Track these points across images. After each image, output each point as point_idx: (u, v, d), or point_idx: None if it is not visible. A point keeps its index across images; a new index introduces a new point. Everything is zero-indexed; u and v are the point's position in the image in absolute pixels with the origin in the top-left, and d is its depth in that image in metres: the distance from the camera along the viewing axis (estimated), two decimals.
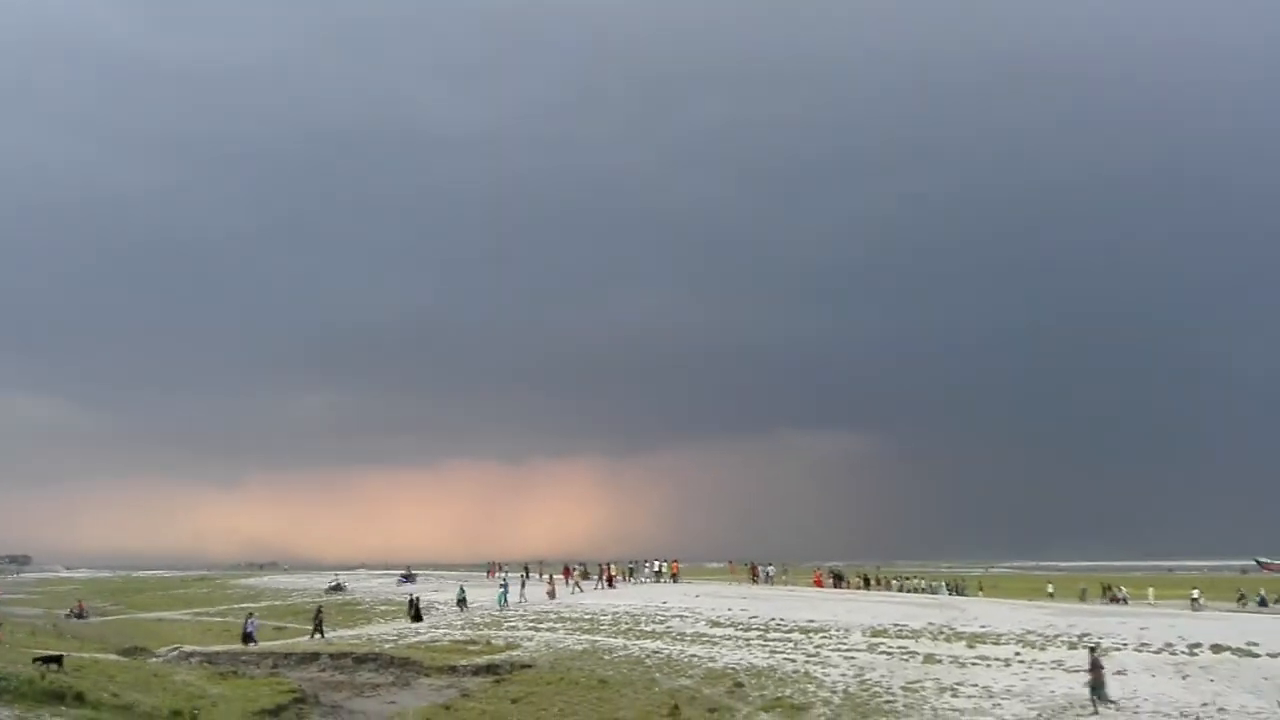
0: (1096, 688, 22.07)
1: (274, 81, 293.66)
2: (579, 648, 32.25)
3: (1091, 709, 21.66)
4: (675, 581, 62.38)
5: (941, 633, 33.51)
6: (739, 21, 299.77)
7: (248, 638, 37.90)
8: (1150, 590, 63.28)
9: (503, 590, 49.16)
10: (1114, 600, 59.51)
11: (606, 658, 30.09)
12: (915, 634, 33.34)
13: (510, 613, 43.79)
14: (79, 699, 19.30)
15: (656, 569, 65.96)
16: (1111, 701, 22.00)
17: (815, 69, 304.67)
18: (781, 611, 40.28)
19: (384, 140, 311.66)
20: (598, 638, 34.21)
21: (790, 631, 34.72)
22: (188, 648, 37.90)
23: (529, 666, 29.30)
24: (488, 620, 41.22)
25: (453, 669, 29.96)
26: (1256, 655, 27.46)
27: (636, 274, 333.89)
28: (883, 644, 31.22)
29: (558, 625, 38.15)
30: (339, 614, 50.67)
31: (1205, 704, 21.74)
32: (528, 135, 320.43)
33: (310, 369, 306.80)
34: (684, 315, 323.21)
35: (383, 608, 53.90)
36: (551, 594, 50.81)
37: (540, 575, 61.93)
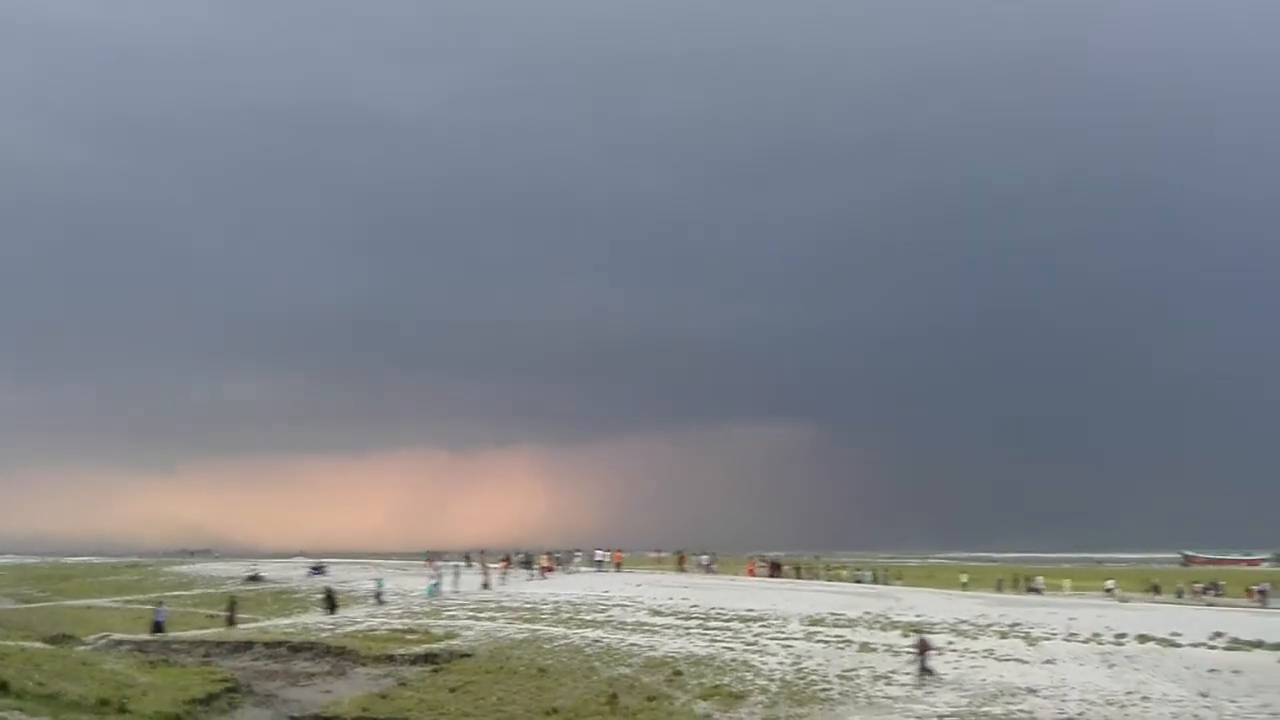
0: (923, 666, 24.36)
1: (215, 59, 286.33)
2: (519, 637, 32.16)
3: (916, 682, 23.77)
4: (618, 571, 62.53)
5: (877, 622, 34.07)
6: (691, 12, 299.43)
7: (157, 627, 37.14)
8: (1066, 582, 64.89)
9: (434, 581, 48.54)
10: (1030, 591, 60.85)
11: (546, 647, 30.05)
12: (852, 623, 33.85)
13: (450, 602, 43.50)
14: (2, 688, 18.78)
15: (599, 558, 66.05)
16: (931, 675, 24.02)
17: (767, 62, 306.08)
18: (722, 601, 40.59)
19: (329, 122, 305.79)
20: (538, 627, 34.15)
21: (730, 620, 35.01)
22: (117, 635, 36.95)
23: (468, 656, 29.11)
24: (427, 609, 40.90)
25: (390, 658, 29.64)
26: (1179, 645, 28.37)
27: (583, 264, 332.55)
28: (820, 633, 31.64)
29: (498, 614, 37.99)
30: (275, 603, 49.90)
31: (1130, 692, 22.40)
32: (475, 121, 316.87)
33: (249, 354, 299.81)
34: (631, 306, 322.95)
35: (318, 597, 53.16)
36: (486, 584, 50.46)
37: (478, 565, 61.26)
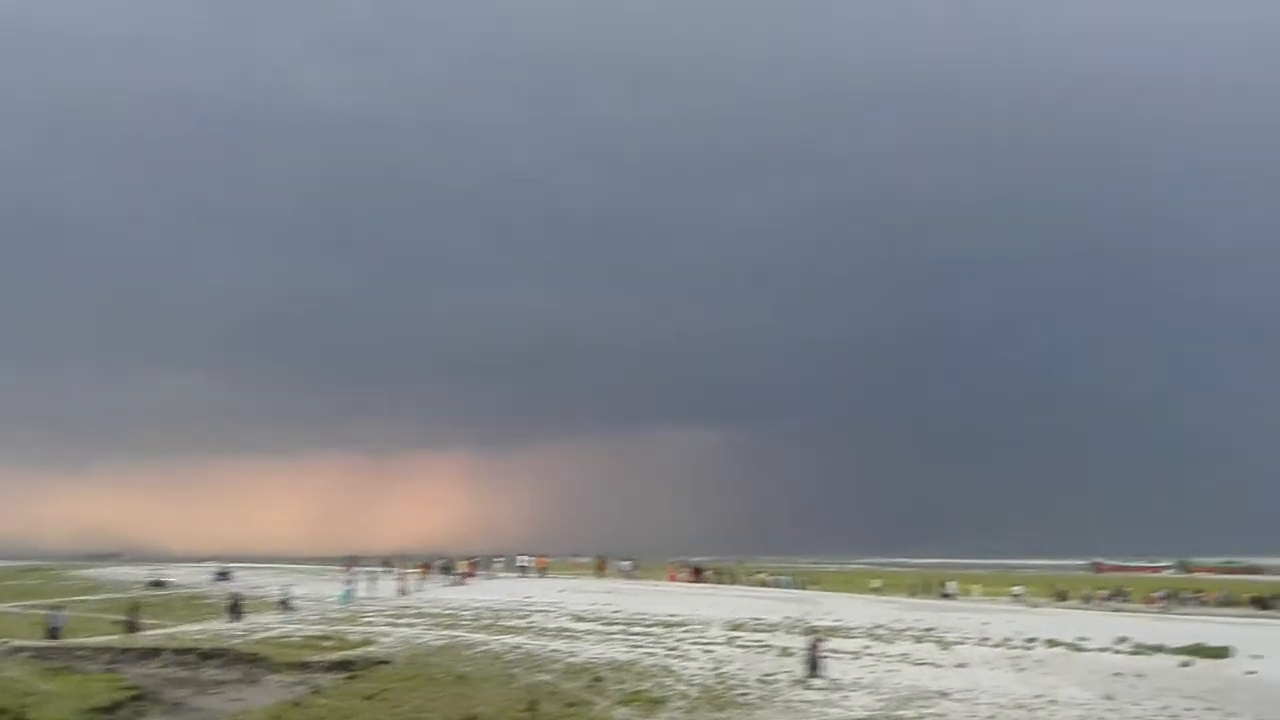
0: (813, 665, 25.18)
1: (150, 51, 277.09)
2: (438, 643, 31.74)
3: (806, 681, 24.59)
4: (542, 576, 62.20)
5: (797, 626, 34.47)
6: (639, 17, 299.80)
7: (53, 633, 35.77)
8: (977, 587, 66.63)
9: (348, 587, 47.53)
10: (943, 596, 62.31)
11: (466, 653, 29.71)
12: (772, 628, 34.19)
13: (368, 608, 42.75)
14: None
15: (522, 564, 65.64)
16: (821, 677, 24.73)
17: (708, 71, 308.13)
18: (645, 606, 40.66)
19: (264, 115, 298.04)
20: (458, 633, 33.76)
21: (653, 626, 35.06)
22: (17, 642, 35.47)
23: (385, 662, 28.59)
24: (343, 616, 40.14)
25: (304, 665, 28.95)
26: (1086, 650, 29.28)
27: (518, 266, 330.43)
28: (741, 637, 31.88)
29: (417, 621, 37.45)
30: (184, 608, 48.44)
31: (1038, 695, 23.00)
32: (412, 118, 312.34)
33: (167, 353, 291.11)
34: (566, 309, 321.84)
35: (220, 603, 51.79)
36: (402, 590, 49.67)
37: (397, 571, 60.14)
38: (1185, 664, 26.94)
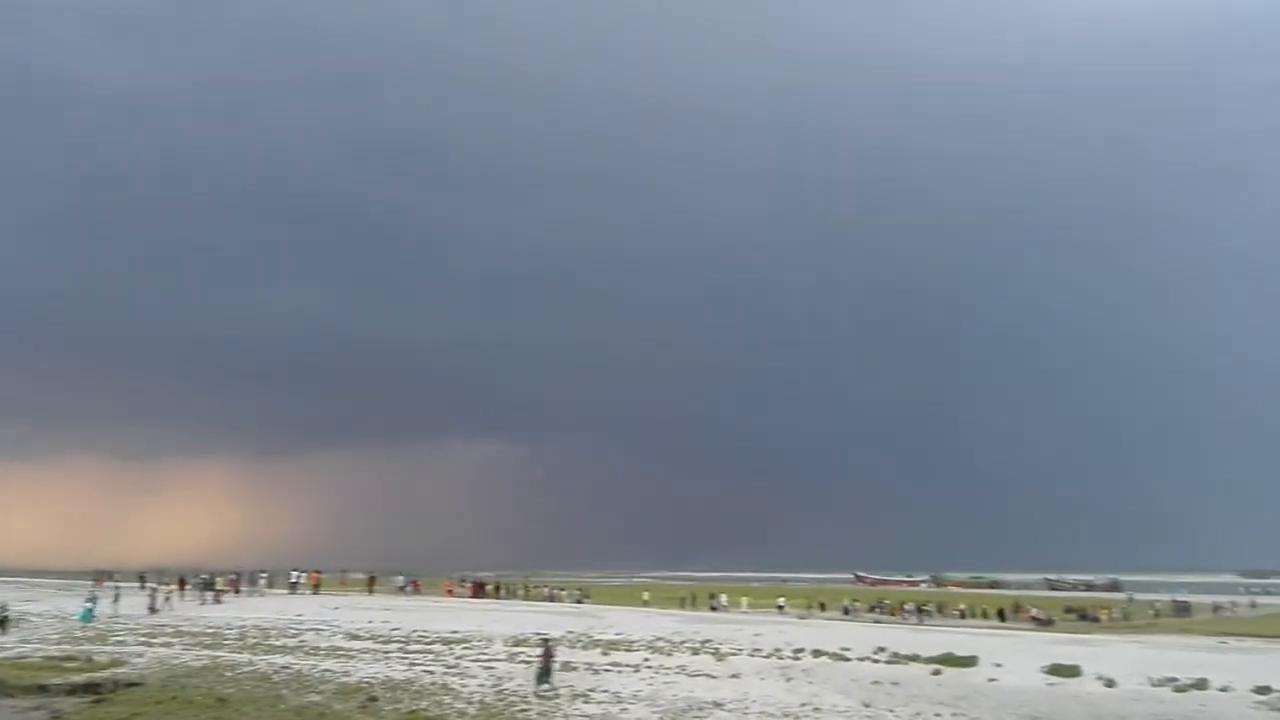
0: (544, 671, 25.84)
1: None
2: (197, 664, 29.63)
3: (535, 687, 25.32)
4: (315, 593, 59.36)
5: (580, 641, 34.57)
6: (437, 21, 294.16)
7: None
8: (744, 599, 69.57)
9: (89, 604, 43.22)
10: (713, 609, 64.42)
11: (229, 674, 27.88)
12: (555, 643, 34.09)
13: (120, 627, 39.34)
14: None
15: (294, 580, 62.42)
16: (549, 685, 25.42)
17: (504, 78, 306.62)
18: (425, 623, 39.62)
19: (29, 97, 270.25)
20: (220, 653, 31.65)
21: (432, 643, 34.20)
22: None
23: (137, 685, 26.39)
24: (90, 635, 36.76)
25: (43, 688, 26.23)
26: (848, 659, 30.93)
27: (299, 267, 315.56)
28: (523, 653, 31.60)
29: (174, 640, 34.85)
30: None
31: (804, 704, 24.08)
32: (194, 104, 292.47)
33: None
34: (349, 314, 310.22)
35: None
36: (152, 607, 45.98)
37: (149, 587, 55.20)
38: (936, 672, 28.96)
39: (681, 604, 65.97)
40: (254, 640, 34.81)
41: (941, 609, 67.14)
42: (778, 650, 32.41)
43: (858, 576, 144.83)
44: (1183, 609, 75.23)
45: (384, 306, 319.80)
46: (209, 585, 56.09)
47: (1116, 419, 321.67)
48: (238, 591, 57.50)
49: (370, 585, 66.81)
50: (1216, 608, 78.92)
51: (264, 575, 65.40)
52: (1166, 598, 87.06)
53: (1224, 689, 25.08)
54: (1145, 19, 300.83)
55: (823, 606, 68.21)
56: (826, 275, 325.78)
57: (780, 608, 61.89)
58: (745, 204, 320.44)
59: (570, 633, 36.66)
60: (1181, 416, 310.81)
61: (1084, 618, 64.62)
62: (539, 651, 27.21)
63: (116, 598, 46.65)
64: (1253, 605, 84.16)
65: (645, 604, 63.79)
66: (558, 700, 24.16)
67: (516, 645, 33.39)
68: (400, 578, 70.43)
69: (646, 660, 30.06)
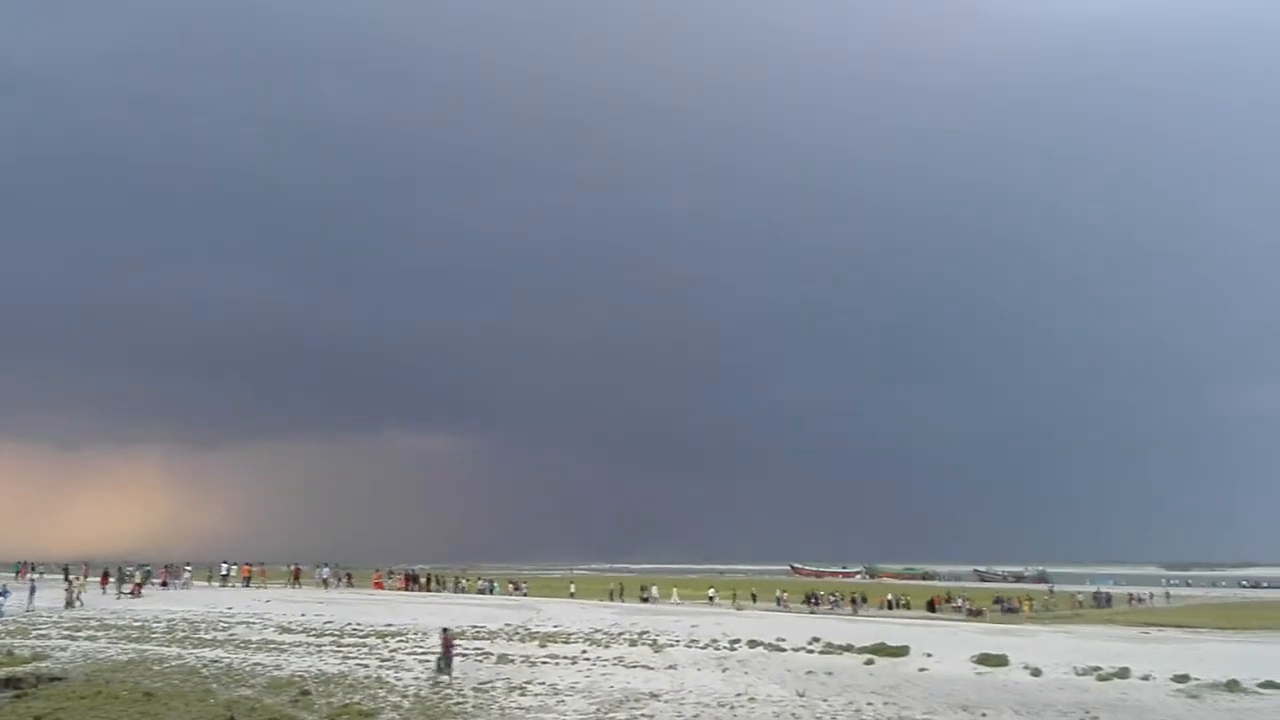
0: (443, 660, 26.33)
1: None
2: (123, 658, 28.90)
3: (435, 675, 25.82)
4: (247, 586, 58.30)
5: (517, 633, 34.47)
6: (379, 12, 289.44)
7: None
8: (674, 591, 70.27)
9: (2, 597, 41.64)
10: (644, 600, 64.78)
11: (156, 668, 27.24)
12: (492, 635, 33.98)
13: (42, 620, 38.21)
14: None
15: (224, 572, 61.21)
16: (448, 674, 25.85)
17: (450, 78, 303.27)
18: (360, 616, 39.16)
19: None
20: (147, 647, 30.91)
21: (367, 636, 33.82)
22: None
23: (60, 679, 25.65)
24: (11, 628, 35.67)
25: None
26: (783, 650, 31.30)
27: (234, 252, 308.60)
28: (460, 646, 31.39)
29: (100, 634, 33.95)
30: None
31: (739, 694, 24.28)
32: (113, 85, 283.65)
33: None
34: (285, 303, 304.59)
35: None
36: (70, 601, 44.55)
37: (71, 579, 53.21)
38: (869, 662, 29.45)
39: (610, 596, 66.27)
40: (183, 634, 34.09)
41: (855, 600, 67.94)
42: (714, 641, 32.65)
43: (794, 568, 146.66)
44: (1103, 600, 77.71)
45: (321, 295, 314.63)
46: (126, 578, 54.40)
47: (1048, 414, 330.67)
48: (166, 584, 56.23)
49: (295, 577, 65.36)
50: (1131, 599, 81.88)
51: (188, 568, 63.73)
52: (1090, 589, 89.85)
53: (1145, 678, 25.89)
54: (1067, 24, 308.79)
55: (754, 597, 69.16)
56: (761, 271, 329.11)
57: (710, 599, 62.72)
58: (686, 198, 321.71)
59: (508, 625, 36.54)
60: (1103, 413, 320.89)
61: (1007, 609, 66.02)
62: (440, 639, 27.56)
63: (33, 590, 45.18)
64: (1167, 597, 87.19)
65: (572, 596, 63.93)
66: (459, 689, 24.18)
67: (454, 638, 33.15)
68: (324, 569, 68.42)
69: (584, 652, 30.06)
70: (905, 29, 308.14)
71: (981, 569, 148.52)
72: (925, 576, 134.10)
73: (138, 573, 55.58)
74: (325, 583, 64.49)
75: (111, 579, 54.13)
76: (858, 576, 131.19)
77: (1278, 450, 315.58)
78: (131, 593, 51.24)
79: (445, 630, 28.16)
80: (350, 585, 65.70)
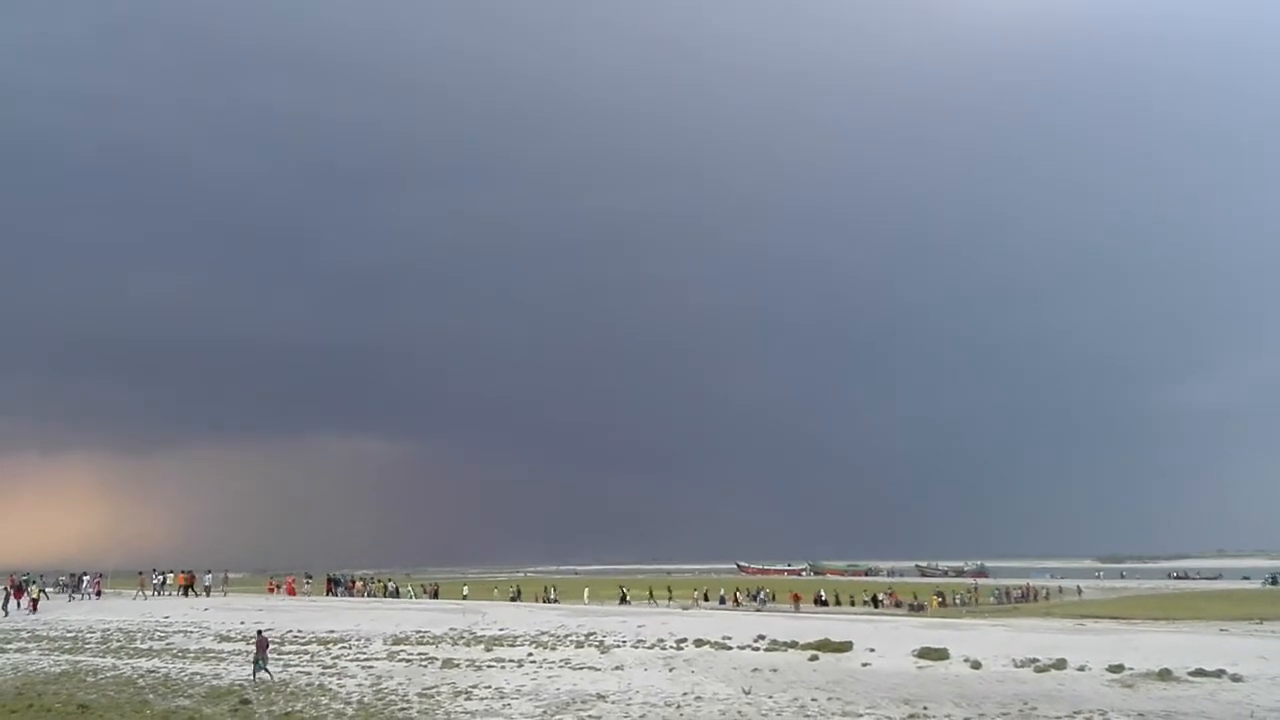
0: (258, 661, 26.63)
1: None
2: (56, 670, 28.22)
3: (253, 679, 26.12)
4: (185, 595, 56.86)
5: (462, 638, 34.21)
6: (315, 9, 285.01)
7: None
8: (585, 590, 70.95)
9: None
10: (548, 601, 64.70)
11: (90, 679, 26.64)
12: (436, 640, 33.69)
13: None
14: None
15: (161, 580, 59.61)
16: (267, 673, 26.32)
17: (391, 78, 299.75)
18: (301, 623, 38.57)
19: None
20: (81, 658, 30.19)
21: (308, 643, 33.35)
22: None
23: None
24: None
25: None
26: (730, 648, 31.49)
27: (160, 251, 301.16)
28: (403, 651, 31.12)
29: (30, 645, 33.07)
30: None
31: (686, 693, 24.40)
32: (44, 81, 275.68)
33: None
34: (211, 303, 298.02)
35: None
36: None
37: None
38: (814, 658, 29.73)
39: (510, 598, 68.10)
40: (118, 644, 33.31)
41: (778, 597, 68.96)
42: (661, 641, 32.74)
43: (740, 566, 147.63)
44: (1022, 596, 79.97)
45: (252, 298, 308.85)
46: (20, 588, 49.06)
47: (989, 413, 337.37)
48: (99, 594, 54.71)
49: (188, 584, 58.13)
50: (1043, 593, 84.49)
51: (100, 576, 60.04)
52: (1022, 582, 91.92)
53: (1081, 668, 26.50)
54: (992, 27, 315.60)
55: (705, 596, 69.95)
56: (698, 272, 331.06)
57: (623, 599, 64.46)
58: (625, 196, 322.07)
59: (452, 630, 36.24)
60: (1041, 412, 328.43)
61: (914, 608, 65.33)
62: (255, 641, 27.75)
63: None
64: (1078, 591, 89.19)
65: (465, 598, 63.81)
66: (275, 689, 24.83)
67: (396, 644, 32.84)
68: (209, 575, 60.63)
69: (530, 655, 29.96)
70: (855, 32, 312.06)
71: (923, 564, 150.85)
72: (868, 573, 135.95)
73: (35, 585, 50.73)
74: (209, 590, 57.75)
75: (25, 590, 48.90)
76: (803, 574, 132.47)
77: (1207, 445, 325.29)
78: (31, 607, 46.24)
79: (260, 632, 28.78)
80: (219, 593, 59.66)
